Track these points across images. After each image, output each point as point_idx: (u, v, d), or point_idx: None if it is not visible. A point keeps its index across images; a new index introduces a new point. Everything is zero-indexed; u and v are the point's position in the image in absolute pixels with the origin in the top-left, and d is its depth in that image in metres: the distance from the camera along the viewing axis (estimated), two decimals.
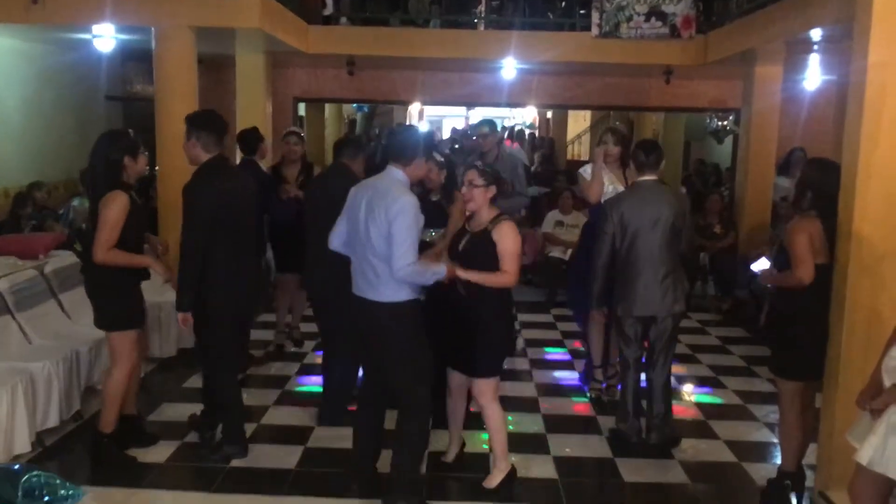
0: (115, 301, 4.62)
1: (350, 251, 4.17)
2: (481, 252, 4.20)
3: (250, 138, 6.74)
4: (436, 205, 5.03)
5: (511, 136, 18.19)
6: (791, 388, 4.27)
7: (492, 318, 4.27)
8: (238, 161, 6.88)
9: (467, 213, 4.37)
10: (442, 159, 5.13)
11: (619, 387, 5.30)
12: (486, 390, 4.37)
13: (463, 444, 4.81)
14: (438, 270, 4.05)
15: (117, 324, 4.62)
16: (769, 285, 4.62)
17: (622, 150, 5.70)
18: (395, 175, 4.10)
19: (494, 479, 4.47)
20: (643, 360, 5.14)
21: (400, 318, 4.05)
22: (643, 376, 5.14)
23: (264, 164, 7.04)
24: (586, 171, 5.90)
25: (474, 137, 6.85)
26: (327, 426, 5.31)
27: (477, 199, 4.23)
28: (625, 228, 4.91)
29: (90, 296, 4.72)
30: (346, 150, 5.52)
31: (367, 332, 4.19)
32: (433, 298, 4.32)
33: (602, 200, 5.50)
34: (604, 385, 6.01)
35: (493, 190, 4.26)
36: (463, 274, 4.12)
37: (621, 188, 5.55)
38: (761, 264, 4.80)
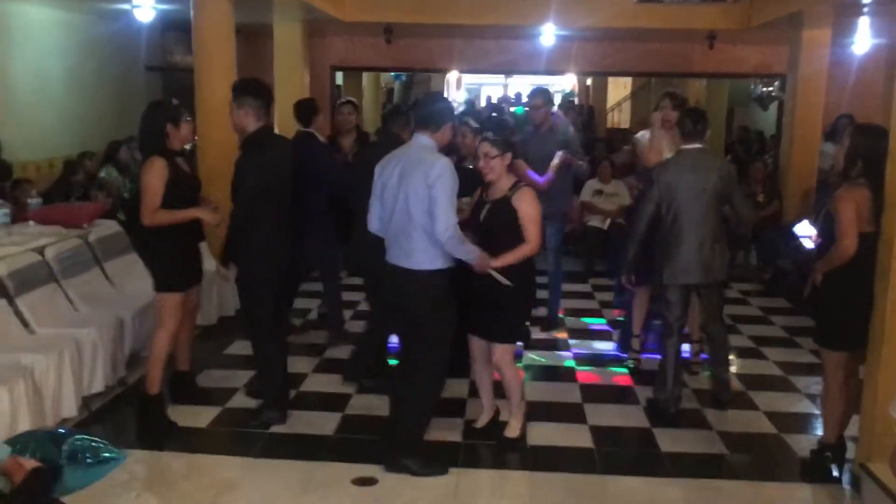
0: (164, 263, 4.74)
1: (386, 226, 4.19)
2: (503, 220, 4.25)
3: (307, 109, 6.30)
4: (470, 171, 5.00)
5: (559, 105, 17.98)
6: (835, 359, 4.20)
7: (513, 286, 4.29)
8: (294, 134, 6.34)
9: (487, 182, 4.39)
10: (477, 125, 5.07)
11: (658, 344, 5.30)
12: (505, 355, 4.46)
13: (497, 412, 4.82)
14: (472, 250, 4.10)
15: (162, 285, 4.74)
16: (816, 259, 4.51)
17: (680, 115, 5.59)
18: (424, 141, 4.13)
19: (514, 429, 4.61)
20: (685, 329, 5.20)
21: (431, 287, 4.09)
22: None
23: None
24: (644, 137, 5.89)
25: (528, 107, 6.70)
26: (349, 382, 5.48)
27: (496, 168, 4.28)
28: (671, 196, 4.91)
29: (142, 259, 4.84)
30: (398, 119, 5.48)
31: (399, 300, 4.22)
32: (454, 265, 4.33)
33: None
34: (643, 355, 5.98)
35: (508, 157, 4.30)
36: (495, 263, 4.17)
37: None
38: (804, 228, 4.71)
